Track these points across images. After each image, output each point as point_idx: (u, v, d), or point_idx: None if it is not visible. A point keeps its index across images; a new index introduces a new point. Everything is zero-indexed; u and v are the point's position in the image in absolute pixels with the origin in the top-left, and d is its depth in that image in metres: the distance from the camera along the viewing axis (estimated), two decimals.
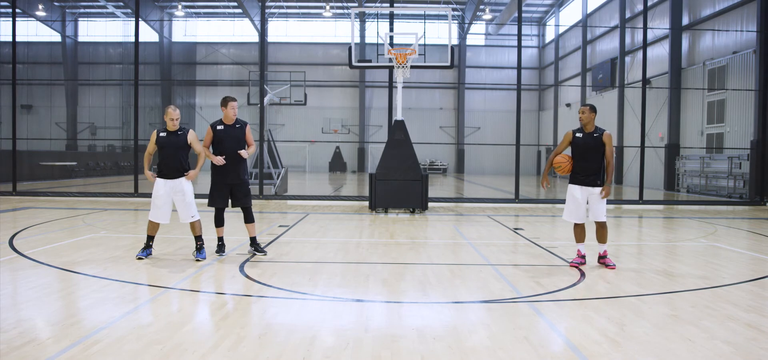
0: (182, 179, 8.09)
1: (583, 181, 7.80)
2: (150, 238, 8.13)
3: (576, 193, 7.84)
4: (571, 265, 7.96)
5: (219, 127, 8.18)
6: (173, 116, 7.98)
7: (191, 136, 8.15)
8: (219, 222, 8.44)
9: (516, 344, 4.64)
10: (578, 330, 5.06)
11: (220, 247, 8.42)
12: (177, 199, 8.07)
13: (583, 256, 8.02)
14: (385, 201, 15.08)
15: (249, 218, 8.36)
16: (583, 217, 7.88)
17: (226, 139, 8.14)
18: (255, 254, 8.42)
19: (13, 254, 8.32)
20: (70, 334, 4.75)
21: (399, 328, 5.12)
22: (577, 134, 7.84)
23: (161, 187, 8.00)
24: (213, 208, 8.36)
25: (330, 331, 5.00)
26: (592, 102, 36.93)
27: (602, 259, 7.95)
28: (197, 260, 8.04)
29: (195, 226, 8.19)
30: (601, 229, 7.87)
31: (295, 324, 5.23)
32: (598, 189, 7.75)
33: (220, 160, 8.02)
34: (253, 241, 8.44)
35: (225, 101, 8.21)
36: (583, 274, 7.34)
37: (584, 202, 7.84)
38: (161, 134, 8.05)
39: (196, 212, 8.17)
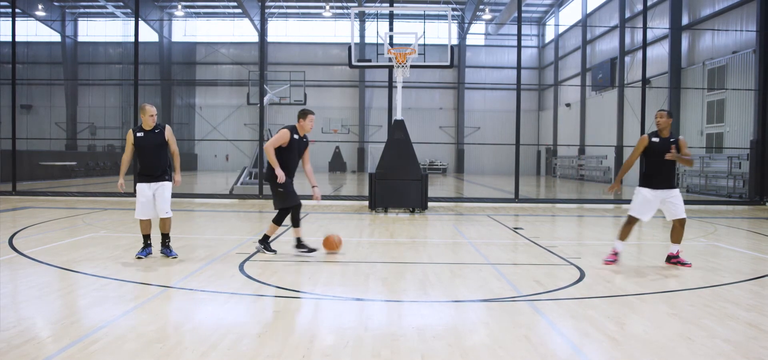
0: (167, 183, 8.02)
1: (658, 185, 7.81)
2: (146, 238, 8.10)
3: (649, 196, 7.86)
4: (604, 263, 7.95)
5: (295, 136, 8.17)
6: (151, 113, 7.91)
7: (168, 133, 8.07)
8: (296, 223, 8.39)
9: (516, 343, 4.64)
10: (578, 329, 5.06)
11: (301, 245, 8.40)
12: (157, 195, 7.97)
13: (617, 255, 8.01)
14: (384, 201, 15.08)
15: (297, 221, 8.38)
16: (649, 216, 7.88)
17: (297, 147, 8.21)
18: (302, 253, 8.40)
19: (13, 253, 8.32)
20: (70, 333, 4.75)
21: (399, 327, 5.11)
22: (653, 139, 7.84)
23: (147, 189, 7.95)
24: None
25: (330, 329, 4.99)
26: (592, 102, 36.95)
27: (675, 259, 7.96)
28: (173, 258, 8.02)
29: (167, 223, 8.11)
30: (681, 227, 7.87)
31: (295, 323, 5.23)
32: (676, 190, 7.82)
33: (282, 176, 7.98)
34: (299, 241, 8.44)
35: (304, 114, 8.19)
36: (582, 273, 7.34)
37: (656, 203, 7.84)
38: (138, 134, 7.94)
39: (169, 209, 8.08)
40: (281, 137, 8.05)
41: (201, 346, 4.47)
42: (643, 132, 19.39)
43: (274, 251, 8.45)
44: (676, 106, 26.77)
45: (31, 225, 11.56)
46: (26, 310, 5.49)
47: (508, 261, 8.35)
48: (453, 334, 4.88)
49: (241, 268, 7.46)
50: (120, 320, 5.14)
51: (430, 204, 16.49)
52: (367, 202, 15.96)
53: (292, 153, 8.15)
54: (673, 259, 7.99)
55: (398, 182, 15.01)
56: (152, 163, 7.93)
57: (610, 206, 19.04)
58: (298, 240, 8.40)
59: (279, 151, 8.07)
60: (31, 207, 15.24)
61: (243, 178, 20.71)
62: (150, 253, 8.09)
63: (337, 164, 45.10)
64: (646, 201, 7.87)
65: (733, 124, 22.88)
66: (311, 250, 8.32)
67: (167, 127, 8.14)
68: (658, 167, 7.80)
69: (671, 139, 7.77)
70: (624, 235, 8.04)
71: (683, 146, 7.78)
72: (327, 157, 45.09)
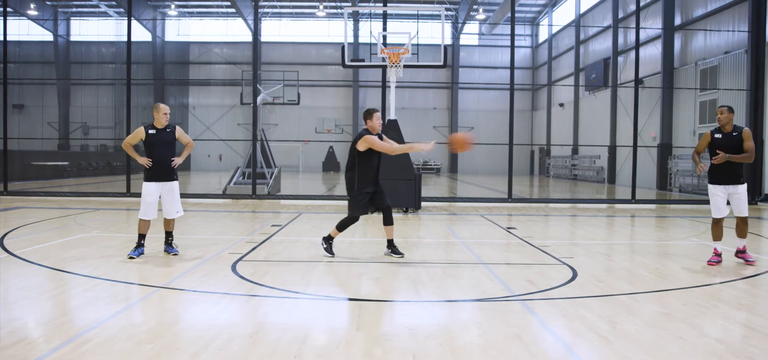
0: (174, 183, 8.22)
1: (725, 180, 7.97)
2: (141, 237, 8.11)
3: (717, 192, 8.02)
4: (708, 264, 8.04)
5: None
6: (165, 111, 8.13)
7: (179, 131, 8.34)
8: (342, 228, 8.40)
9: (508, 343, 4.64)
10: (570, 328, 5.07)
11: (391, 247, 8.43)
12: (166, 196, 8.16)
13: (720, 255, 8.13)
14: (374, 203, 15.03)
15: (390, 220, 8.35)
16: (724, 212, 8.03)
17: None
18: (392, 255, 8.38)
19: (4, 254, 8.28)
20: (61, 334, 4.72)
21: (391, 327, 5.11)
22: (716, 135, 8.01)
23: (154, 189, 8.08)
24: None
25: (322, 329, 4.98)
26: (586, 102, 37.03)
27: (741, 254, 8.16)
28: (175, 255, 8.18)
29: (173, 223, 8.34)
30: (743, 224, 8.04)
31: (287, 323, 5.22)
32: (742, 186, 7.95)
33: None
34: (390, 242, 8.44)
35: (370, 113, 8.17)
36: (575, 273, 7.35)
37: (725, 198, 8.01)
38: (150, 131, 8.11)
39: (180, 208, 8.33)
40: (374, 142, 7.95)
41: (192, 347, 4.46)
42: (636, 132, 19.48)
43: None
44: (669, 106, 26.86)
45: (23, 225, 11.50)
46: (17, 310, 5.46)
47: (500, 261, 8.36)
48: (445, 333, 4.88)
49: (233, 268, 7.44)
50: (111, 320, 5.12)
51: (423, 204, 16.50)
52: None
53: (374, 156, 8.10)
54: (739, 254, 8.21)
55: (391, 182, 14.97)
56: (161, 160, 8.09)
57: (603, 206, 19.09)
58: (390, 242, 8.45)
59: (363, 157, 8.05)
60: (23, 207, 15.16)
61: (236, 178, 20.65)
62: (142, 253, 8.08)
63: (330, 164, 45.04)
64: (714, 197, 8.09)
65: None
66: (400, 254, 8.33)
67: (177, 127, 8.38)
68: (722, 163, 7.89)
69: (734, 133, 7.88)
70: (716, 236, 8.20)
71: (747, 137, 7.87)
72: (321, 156, 45.05)
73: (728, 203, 8.11)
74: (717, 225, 8.14)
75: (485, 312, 5.62)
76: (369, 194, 8.13)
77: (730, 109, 7.96)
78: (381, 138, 8.15)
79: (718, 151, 7.92)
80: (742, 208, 7.98)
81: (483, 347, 4.53)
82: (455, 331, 4.99)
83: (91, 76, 41.82)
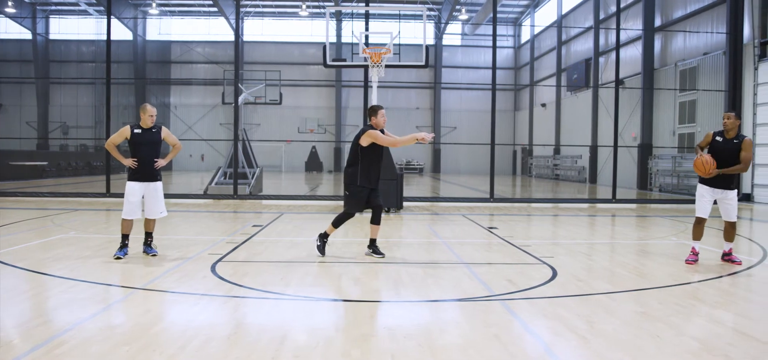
0: (158, 183, 8.18)
1: (715, 183, 8.00)
2: (125, 237, 8.04)
3: (705, 193, 8.07)
4: (686, 262, 8.12)
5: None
6: (152, 113, 8.09)
7: (164, 132, 8.29)
8: (338, 224, 8.36)
9: (487, 342, 4.65)
10: (549, 328, 5.09)
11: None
12: (149, 196, 8.13)
13: (697, 254, 8.20)
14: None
15: (377, 220, 8.37)
16: (706, 211, 8.06)
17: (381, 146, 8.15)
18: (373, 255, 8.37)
19: None
20: (35, 336, 4.66)
21: (370, 327, 5.10)
22: (717, 138, 8.02)
23: (137, 189, 8.04)
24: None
25: (301, 330, 4.96)
26: (567, 102, 37.27)
27: (728, 256, 8.20)
28: (153, 255, 8.13)
29: (154, 223, 8.30)
30: (731, 228, 8.11)
31: (266, 323, 5.19)
32: (733, 192, 7.99)
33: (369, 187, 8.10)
34: (372, 242, 8.45)
35: (375, 110, 8.16)
36: (555, 272, 7.38)
37: (712, 200, 8.06)
38: (136, 131, 8.07)
39: (164, 209, 8.31)
40: (377, 137, 8.00)
41: (169, 349, 4.42)
42: (616, 132, 19.63)
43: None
44: (649, 106, 27.11)
45: (0, 226, 11.35)
46: None
47: (481, 260, 8.38)
48: (424, 334, 4.88)
49: (213, 268, 7.39)
50: (88, 322, 5.06)
51: (405, 204, 16.52)
52: (342, 202, 15.89)
53: (377, 152, 8.12)
54: (726, 257, 8.25)
55: None
56: (146, 160, 8.04)
57: (585, 206, 19.23)
58: (372, 241, 8.46)
59: (373, 150, 8.06)
60: (0, 208, 14.95)
61: (218, 178, 20.53)
62: (126, 253, 8.02)
63: (313, 164, 44.94)
64: (701, 196, 8.13)
65: (704, 125, 23.21)
66: (379, 254, 8.35)
67: (163, 127, 8.35)
68: (717, 165, 7.92)
69: (735, 140, 7.92)
70: (696, 235, 8.25)
71: (746, 147, 7.89)
72: (303, 156, 44.93)
73: (715, 203, 8.17)
74: (699, 225, 8.20)
75: (465, 312, 5.63)
76: (367, 190, 8.14)
77: (737, 116, 8.02)
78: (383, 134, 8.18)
79: (716, 155, 7.94)
80: (731, 214, 8.04)
81: (462, 347, 4.53)
82: (435, 331, 4.99)
83: (71, 75, 41.37)
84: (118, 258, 7.87)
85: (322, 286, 6.70)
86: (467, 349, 4.50)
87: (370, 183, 8.13)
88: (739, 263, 8.10)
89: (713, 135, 8.07)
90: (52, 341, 4.54)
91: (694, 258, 8.16)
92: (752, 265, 8.28)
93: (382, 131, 8.21)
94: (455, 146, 45.54)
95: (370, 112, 8.22)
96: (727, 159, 7.90)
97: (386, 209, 15.01)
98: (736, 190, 8.10)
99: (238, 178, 18.96)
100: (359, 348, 4.50)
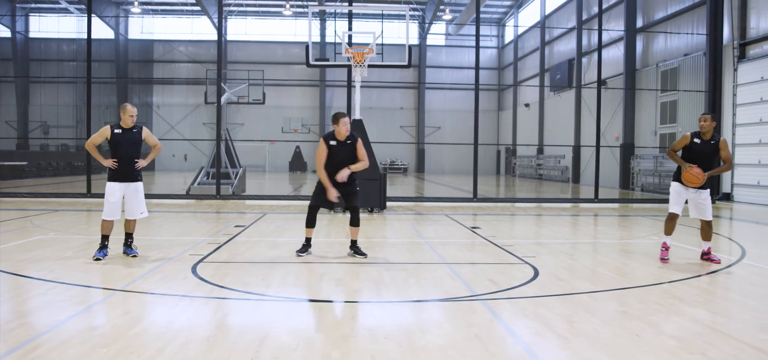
0: (138, 183, 8.11)
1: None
2: (105, 238, 7.96)
3: (679, 190, 8.13)
4: (661, 261, 8.18)
5: (331, 142, 8.14)
6: (132, 113, 8.02)
7: (145, 133, 8.21)
8: (311, 223, 8.41)
9: (467, 343, 4.65)
10: (529, 327, 5.10)
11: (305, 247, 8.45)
12: (129, 197, 8.06)
13: (668, 248, 8.29)
14: (342, 200, 14.97)
15: (356, 221, 8.43)
16: (679, 208, 8.12)
17: (341, 153, 8.14)
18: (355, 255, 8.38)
19: None
20: (9, 339, 4.58)
21: (350, 328, 5.08)
22: (695, 140, 8.04)
23: (117, 190, 7.96)
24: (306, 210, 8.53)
25: (281, 331, 4.92)
26: (551, 102, 37.47)
27: (706, 256, 8.22)
28: (134, 256, 8.07)
29: (134, 224, 8.25)
30: (707, 227, 8.15)
31: (246, 325, 5.15)
32: (706, 191, 8.04)
33: (333, 194, 8.09)
34: (353, 243, 8.48)
35: (337, 118, 8.13)
36: (537, 272, 7.41)
37: (685, 196, 8.11)
38: (116, 131, 7.99)
39: (145, 209, 8.24)
40: (320, 152, 8.18)
41: (147, 351, 4.37)
42: (598, 132, 19.75)
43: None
44: (631, 106, 27.33)
45: None
46: None
47: (464, 260, 8.39)
48: (405, 334, 4.87)
49: (194, 269, 7.33)
50: (65, 325, 4.99)
51: (389, 204, 16.50)
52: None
53: (338, 158, 8.14)
54: (705, 256, 8.29)
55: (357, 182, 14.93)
56: (125, 160, 7.97)
57: (568, 205, 19.34)
58: (353, 242, 8.52)
59: (328, 159, 8.15)
60: None
61: (200, 178, 20.39)
62: (106, 254, 7.94)
63: (297, 164, 44.83)
64: (675, 193, 8.19)
65: (685, 125, 23.44)
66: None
67: (144, 127, 8.28)
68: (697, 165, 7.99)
69: (712, 141, 7.98)
70: (667, 230, 8.30)
71: (724, 147, 8.00)
72: (287, 156, 44.80)
73: (687, 202, 8.26)
74: (671, 221, 8.26)
75: (446, 312, 5.63)
76: (325, 188, 8.16)
77: (713, 118, 8.06)
78: (348, 143, 8.16)
79: (694, 156, 8.01)
80: (706, 213, 8.11)
81: (442, 348, 4.53)
82: (415, 331, 4.98)
83: (51, 73, 40.91)
84: (98, 259, 7.78)
85: (303, 287, 6.67)
86: (448, 349, 4.50)
87: (331, 179, 8.15)
88: (718, 262, 8.17)
89: (691, 137, 8.12)
90: (28, 344, 4.47)
91: (665, 252, 8.27)
92: (731, 263, 8.36)
93: (349, 139, 8.16)
94: (439, 146, 45.64)
95: (333, 119, 8.22)
96: (706, 160, 7.98)
97: (369, 209, 14.99)
98: (708, 190, 8.17)
99: (220, 178, 18.85)
100: (339, 349, 4.48)
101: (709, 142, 8.00)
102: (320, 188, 8.23)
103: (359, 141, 8.25)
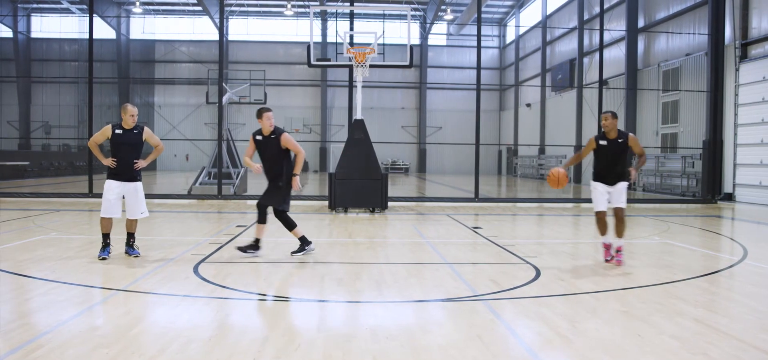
0: (138, 183, 8.10)
1: (608, 181, 8.05)
2: (106, 236, 7.97)
3: (598, 187, 8.13)
4: (606, 261, 8.12)
5: (258, 137, 8.31)
6: (133, 113, 8.01)
7: (146, 133, 8.20)
8: (262, 220, 8.39)
9: (469, 343, 4.64)
10: (531, 328, 5.09)
11: (253, 246, 8.37)
12: (129, 197, 8.05)
13: (609, 247, 8.19)
14: (344, 200, 15.02)
15: (262, 219, 8.41)
16: (604, 206, 8.11)
17: (266, 146, 8.29)
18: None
19: None
20: (11, 339, 4.59)
21: (352, 328, 5.08)
22: (601, 141, 8.02)
23: (115, 187, 7.95)
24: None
25: (282, 331, 4.92)
26: (552, 102, 37.44)
27: (617, 254, 8.09)
28: (136, 256, 8.07)
29: (135, 224, 8.23)
30: (620, 222, 8.00)
31: (248, 325, 5.15)
32: (622, 184, 8.00)
33: (258, 169, 8.27)
34: (256, 241, 8.46)
35: (260, 113, 8.25)
36: (538, 272, 7.40)
37: (606, 194, 8.09)
38: (117, 131, 7.99)
39: (145, 209, 8.23)
40: (248, 148, 8.40)
41: (148, 351, 4.37)
42: (600, 131, 19.72)
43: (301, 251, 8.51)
44: (633, 106, 27.31)
45: None
46: None
47: (465, 260, 8.38)
48: (406, 334, 4.87)
49: (195, 269, 7.33)
50: (66, 325, 4.99)
51: (390, 204, 16.50)
52: (327, 202, 15.89)
53: (261, 155, 8.35)
54: (613, 258, 8.12)
55: (358, 182, 14.96)
56: (126, 161, 7.98)
57: (569, 205, 19.32)
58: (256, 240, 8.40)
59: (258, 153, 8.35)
60: None
61: (202, 178, 20.40)
62: (109, 253, 7.95)
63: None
64: (594, 191, 8.18)
65: (686, 125, 23.43)
66: (252, 249, 8.36)
67: (146, 128, 8.27)
68: (607, 167, 8.01)
69: (619, 139, 7.92)
70: (601, 231, 8.24)
71: (634, 145, 7.98)
72: None
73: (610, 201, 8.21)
74: (600, 221, 8.18)
75: (448, 312, 5.63)
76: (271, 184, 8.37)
77: (614, 115, 7.97)
78: (272, 137, 8.32)
79: (602, 157, 8.04)
80: (620, 199, 8.01)
81: (444, 347, 4.53)
82: (417, 331, 4.98)
83: (53, 73, 40.95)
84: (103, 258, 7.80)
85: (305, 287, 6.67)
86: (449, 349, 4.49)
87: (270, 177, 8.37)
88: (621, 264, 7.95)
89: (596, 140, 8.09)
90: (29, 344, 4.48)
91: (608, 254, 8.16)
92: (733, 263, 8.35)
93: (272, 134, 8.31)
94: (441, 146, 45.62)
95: (257, 114, 8.35)
96: (615, 158, 7.96)
97: (371, 209, 15.00)
98: (626, 183, 8.09)
99: (222, 178, 18.85)
100: (341, 349, 4.47)
101: (616, 141, 7.94)
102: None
103: (284, 134, 8.35)
